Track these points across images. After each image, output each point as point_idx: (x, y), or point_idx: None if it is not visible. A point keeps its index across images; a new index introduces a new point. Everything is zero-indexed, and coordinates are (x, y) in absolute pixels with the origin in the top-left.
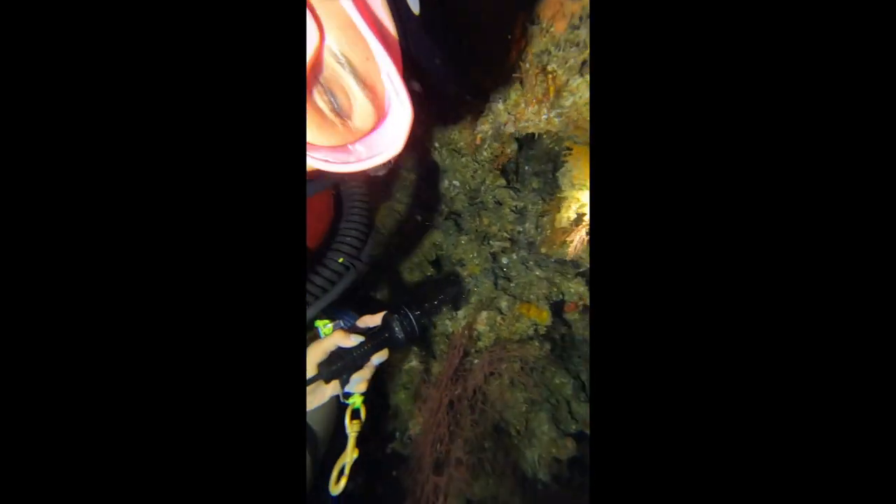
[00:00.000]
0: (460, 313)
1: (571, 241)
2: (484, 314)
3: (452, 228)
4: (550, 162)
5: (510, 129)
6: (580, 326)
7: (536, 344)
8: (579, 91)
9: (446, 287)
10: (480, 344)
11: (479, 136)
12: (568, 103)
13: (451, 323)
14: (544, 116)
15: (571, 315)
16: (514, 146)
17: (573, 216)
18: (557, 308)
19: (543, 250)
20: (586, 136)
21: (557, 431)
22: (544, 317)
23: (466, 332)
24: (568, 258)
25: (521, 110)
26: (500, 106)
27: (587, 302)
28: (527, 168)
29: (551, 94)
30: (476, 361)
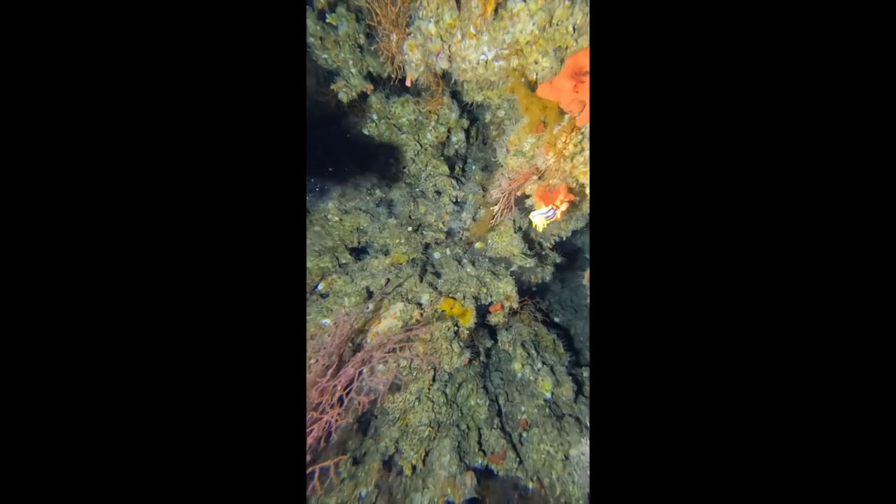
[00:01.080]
0: (371, 306)
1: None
2: (399, 306)
3: (384, 213)
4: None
5: (443, 64)
6: (507, 339)
7: (457, 349)
8: (520, 21)
9: None
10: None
11: (410, 76)
12: (508, 38)
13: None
14: (482, 56)
15: (496, 316)
16: (456, 117)
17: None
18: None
19: (474, 232)
20: (528, 97)
21: (459, 465)
22: (468, 317)
23: (355, 324)
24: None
25: (457, 41)
26: (432, 28)
27: (514, 304)
28: (470, 161)
29: (489, 11)
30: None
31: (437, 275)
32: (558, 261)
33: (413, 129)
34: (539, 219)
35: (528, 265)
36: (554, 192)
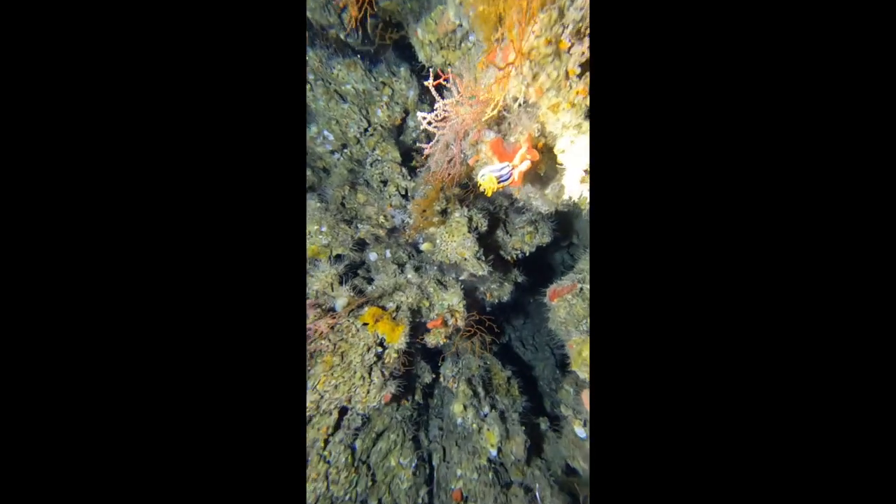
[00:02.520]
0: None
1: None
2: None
3: (312, 197)
4: None
5: None
6: (450, 372)
7: (377, 380)
8: None
9: None
10: None
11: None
12: None
13: None
14: None
15: (434, 335)
16: (415, 96)
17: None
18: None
19: (416, 220)
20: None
21: None
22: (397, 334)
23: None
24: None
25: None
26: None
27: (459, 322)
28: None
29: None
30: None
31: (369, 280)
32: (520, 280)
33: (360, 101)
34: (488, 177)
35: (480, 272)
36: (514, 149)
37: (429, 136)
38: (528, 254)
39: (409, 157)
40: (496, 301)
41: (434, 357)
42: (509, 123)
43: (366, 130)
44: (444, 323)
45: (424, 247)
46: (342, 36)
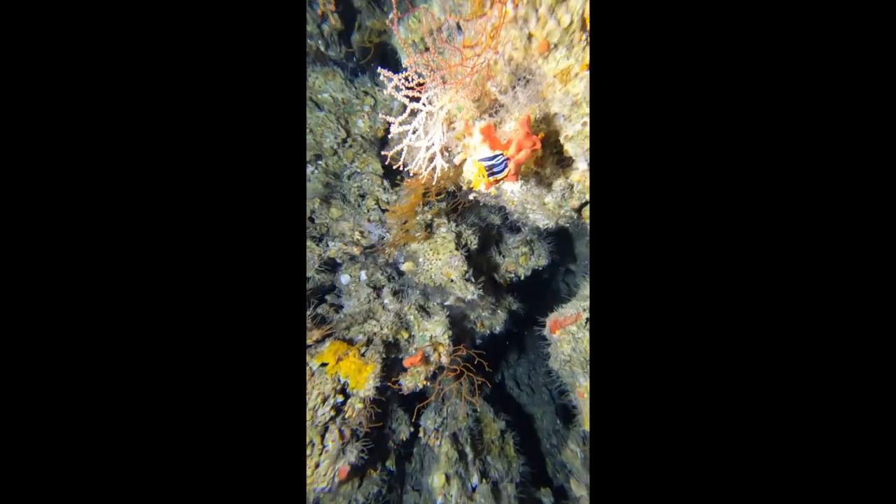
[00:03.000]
0: None
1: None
2: None
3: None
4: None
5: None
6: (431, 424)
7: (333, 445)
8: None
9: None
10: None
11: None
12: None
13: None
14: None
15: (412, 377)
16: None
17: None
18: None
19: (395, 233)
20: None
21: None
22: (362, 378)
23: None
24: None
25: None
26: None
27: (443, 357)
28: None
29: None
30: None
31: (339, 307)
32: (514, 307)
33: (338, 111)
34: (477, 167)
35: (469, 297)
36: (509, 139)
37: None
38: (522, 277)
39: (393, 171)
40: (487, 332)
41: (412, 404)
42: (505, 108)
43: (344, 141)
44: (425, 359)
45: (405, 266)
46: (321, 47)
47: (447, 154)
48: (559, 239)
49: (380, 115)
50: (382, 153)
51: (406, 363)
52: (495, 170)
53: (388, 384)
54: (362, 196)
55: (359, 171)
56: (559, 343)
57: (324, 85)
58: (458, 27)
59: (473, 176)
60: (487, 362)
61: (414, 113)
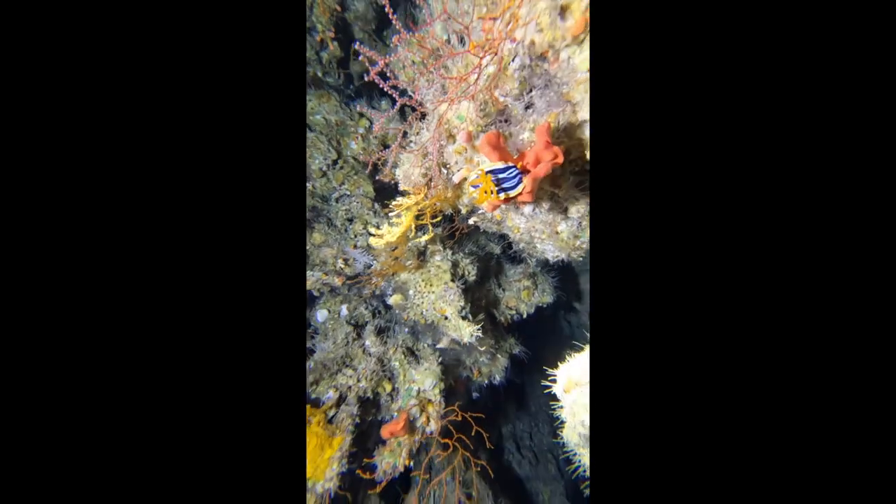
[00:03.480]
0: None
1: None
2: None
3: None
4: None
5: None
6: None
7: None
8: None
9: None
10: None
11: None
12: None
13: None
14: None
15: (388, 454)
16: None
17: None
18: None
19: (384, 261)
20: None
21: None
22: (324, 461)
23: None
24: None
25: None
26: None
27: (432, 421)
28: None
29: None
30: None
31: (310, 351)
32: (516, 350)
33: (330, 133)
34: (483, 181)
35: (466, 339)
36: (523, 150)
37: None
38: (525, 315)
39: (387, 194)
40: (485, 381)
41: (390, 490)
42: (517, 118)
43: (335, 163)
44: (410, 426)
45: (393, 300)
46: (319, 73)
47: (445, 172)
48: (563, 273)
49: (375, 124)
50: (377, 178)
51: (385, 432)
52: (506, 184)
53: (359, 472)
54: (350, 220)
55: (348, 193)
56: (575, 408)
57: (317, 107)
58: (462, 41)
59: (479, 192)
60: (488, 433)
61: (406, 116)
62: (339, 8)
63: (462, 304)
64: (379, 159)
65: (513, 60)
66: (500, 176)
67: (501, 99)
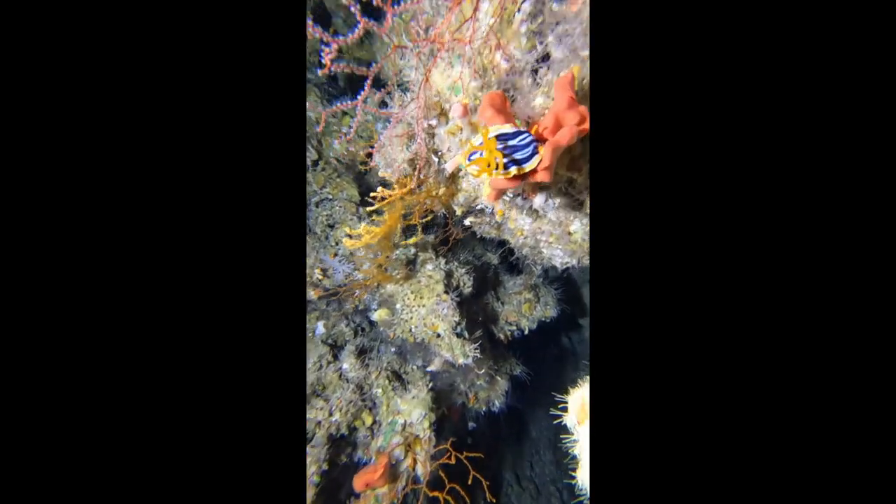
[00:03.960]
0: None
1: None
2: None
3: None
4: None
5: None
6: None
7: None
8: None
9: None
10: None
11: None
12: None
13: None
14: None
15: None
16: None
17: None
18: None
19: (369, 268)
20: None
21: None
22: None
23: None
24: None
25: None
26: None
27: (420, 464)
28: None
29: None
30: None
31: None
32: (517, 371)
33: (310, 131)
34: (487, 147)
35: (462, 360)
36: (535, 119)
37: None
38: (526, 332)
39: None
40: (483, 409)
41: None
42: (525, 80)
43: (315, 163)
44: (391, 472)
45: (378, 315)
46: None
47: (436, 160)
48: (567, 284)
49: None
50: (364, 175)
51: (359, 483)
52: (517, 154)
53: None
54: (331, 226)
55: (330, 197)
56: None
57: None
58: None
59: (480, 162)
60: (487, 481)
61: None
62: None
63: (456, 319)
64: (367, 153)
65: (518, 10)
66: (510, 143)
67: (504, 64)
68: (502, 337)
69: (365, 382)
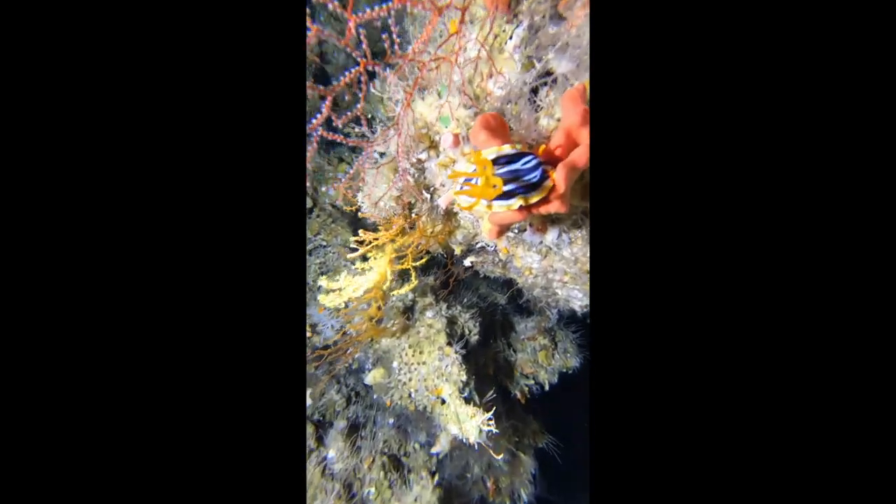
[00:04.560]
0: None
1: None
2: None
3: None
4: None
5: None
6: None
7: None
8: None
9: None
10: None
11: None
12: None
13: None
14: None
15: None
16: None
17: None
18: None
19: (356, 320)
20: None
21: None
22: None
23: None
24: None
25: None
26: None
27: None
28: None
29: None
30: None
31: None
32: (542, 443)
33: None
34: (480, 170)
35: (473, 438)
36: (541, 136)
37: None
38: (547, 387)
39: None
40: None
41: None
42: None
43: (310, 211)
44: None
45: (372, 377)
46: None
47: (427, 195)
48: (586, 326)
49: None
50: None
51: None
52: (523, 181)
53: None
54: (323, 274)
55: (324, 244)
56: None
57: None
58: None
59: (474, 190)
60: None
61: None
62: (317, 60)
63: (463, 378)
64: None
65: (510, 38)
66: (514, 168)
67: (499, 92)
68: (519, 395)
69: (355, 477)
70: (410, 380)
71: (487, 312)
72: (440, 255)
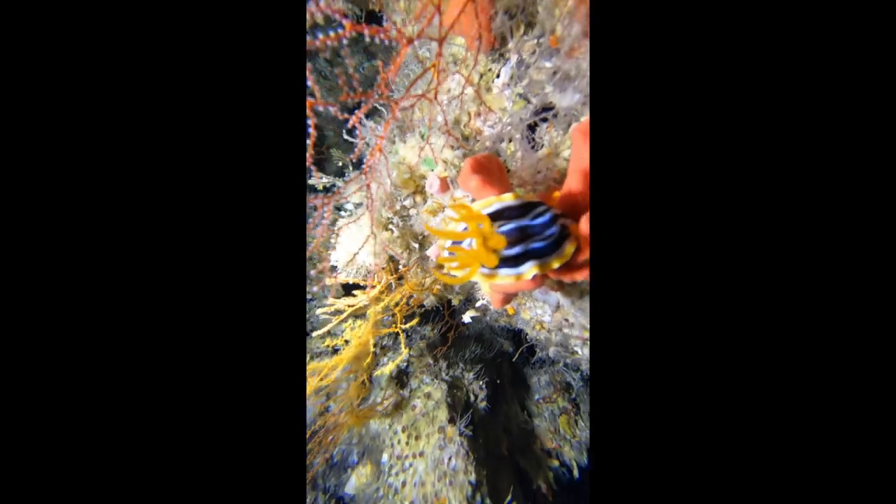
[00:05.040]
0: None
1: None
2: None
3: None
4: None
5: None
6: None
7: None
8: None
9: None
10: None
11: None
12: None
13: None
14: None
15: None
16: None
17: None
18: None
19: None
20: None
21: None
22: None
23: None
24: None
25: None
26: None
27: None
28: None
29: None
30: None
31: None
32: None
33: None
34: (474, 230)
35: None
36: (549, 188)
37: None
38: (576, 472)
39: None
40: None
41: None
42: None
43: None
44: None
45: (356, 483)
46: None
47: (416, 245)
48: None
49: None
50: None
51: None
52: (535, 243)
53: None
54: (307, 334)
55: (310, 297)
56: None
57: None
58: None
59: (465, 257)
60: None
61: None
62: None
63: (472, 477)
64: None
65: (498, 76)
66: (522, 224)
67: (489, 131)
68: (544, 488)
69: None
70: (404, 485)
71: (494, 365)
72: (436, 307)
